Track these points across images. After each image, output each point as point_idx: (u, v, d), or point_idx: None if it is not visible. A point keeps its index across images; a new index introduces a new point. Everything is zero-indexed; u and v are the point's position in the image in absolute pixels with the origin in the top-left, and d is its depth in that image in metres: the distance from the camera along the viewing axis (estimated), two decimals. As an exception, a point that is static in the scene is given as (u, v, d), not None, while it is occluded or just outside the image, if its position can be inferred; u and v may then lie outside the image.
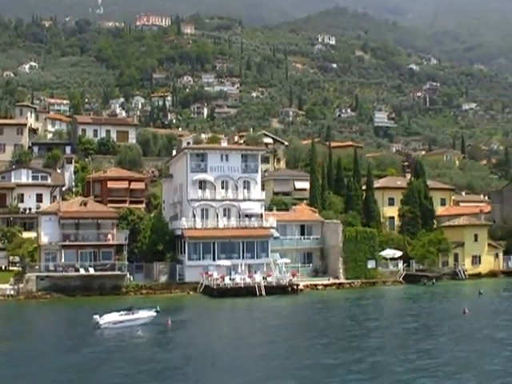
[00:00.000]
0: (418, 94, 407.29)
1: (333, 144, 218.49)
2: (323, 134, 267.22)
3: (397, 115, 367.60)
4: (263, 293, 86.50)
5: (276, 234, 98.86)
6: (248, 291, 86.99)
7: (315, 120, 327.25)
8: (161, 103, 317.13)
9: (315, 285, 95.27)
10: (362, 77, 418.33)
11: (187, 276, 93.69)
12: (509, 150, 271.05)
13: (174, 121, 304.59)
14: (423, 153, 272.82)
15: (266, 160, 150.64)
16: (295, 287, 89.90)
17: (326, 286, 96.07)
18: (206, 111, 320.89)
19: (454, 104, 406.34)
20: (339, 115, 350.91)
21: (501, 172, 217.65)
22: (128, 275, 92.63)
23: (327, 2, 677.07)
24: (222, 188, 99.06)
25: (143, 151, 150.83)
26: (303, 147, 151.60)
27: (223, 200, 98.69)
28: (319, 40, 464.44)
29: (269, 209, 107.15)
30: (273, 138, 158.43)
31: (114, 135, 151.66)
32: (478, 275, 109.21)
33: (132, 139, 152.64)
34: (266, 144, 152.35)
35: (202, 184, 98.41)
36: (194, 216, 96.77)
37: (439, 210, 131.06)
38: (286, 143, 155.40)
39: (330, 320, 67.62)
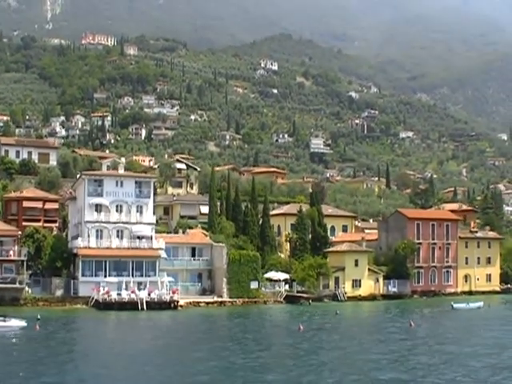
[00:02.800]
0: (357, 121, 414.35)
1: (256, 170, 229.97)
2: (252, 160, 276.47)
3: (333, 142, 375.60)
4: (144, 307, 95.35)
5: (164, 255, 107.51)
6: (132, 306, 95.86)
7: (252, 144, 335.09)
8: (100, 123, 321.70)
9: (198, 302, 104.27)
10: (301, 103, 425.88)
11: (81, 291, 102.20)
12: (433, 179, 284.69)
13: (113, 141, 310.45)
14: (348, 179, 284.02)
15: (178, 184, 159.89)
16: (175, 303, 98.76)
17: (208, 303, 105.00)
18: (143, 132, 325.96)
19: (392, 132, 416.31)
20: (276, 140, 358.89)
21: (421, 200, 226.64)
22: (27, 288, 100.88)
23: (276, 28, 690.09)
24: (117, 211, 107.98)
25: (63, 173, 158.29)
26: (214, 173, 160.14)
27: (117, 222, 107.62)
28: (261, 65, 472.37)
29: (175, 231, 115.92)
30: (186, 164, 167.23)
31: (35, 157, 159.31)
32: (359, 298, 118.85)
33: (53, 161, 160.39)
34: (180, 169, 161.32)
35: (97, 207, 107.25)
36: (89, 236, 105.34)
37: (339, 236, 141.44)
38: (199, 169, 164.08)
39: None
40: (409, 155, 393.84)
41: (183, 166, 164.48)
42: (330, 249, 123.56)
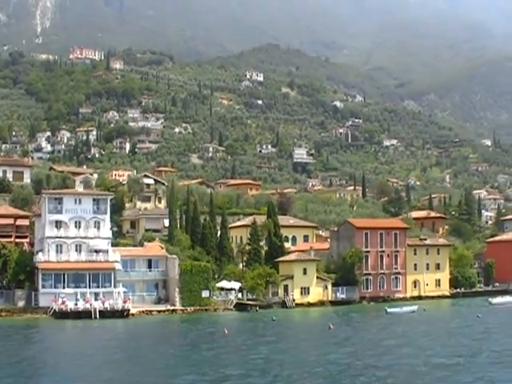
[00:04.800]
0: (341, 130, 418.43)
1: (231, 182, 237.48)
2: (229, 174, 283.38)
3: (317, 151, 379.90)
4: (97, 316, 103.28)
5: (119, 267, 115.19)
6: (86, 314, 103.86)
7: (235, 156, 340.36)
8: (85, 138, 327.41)
9: (150, 311, 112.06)
10: (286, 113, 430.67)
11: (41, 301, 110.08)
12: (409, 187, 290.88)
13: (97, 155, 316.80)
14: (324, 189, 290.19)
15: (147, 199, 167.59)
16: (127, 312, 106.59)
17: (160, 311, 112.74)
18: (128, 146, 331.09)
19: (376, 140, 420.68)
20: (260, 151, 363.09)
21: (394, 208, 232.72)
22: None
23: (265, 37, 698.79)
24: (75, 227, 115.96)
25: (37, 190, 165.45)
26: (181, 188, 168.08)
27: (75, 237, 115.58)
28: (247, 76, 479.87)
29: (140, 244, 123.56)
30: (154, 179, 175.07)
31: (10, 175, 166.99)
32: (307, 304, 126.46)
33: (27, 179, 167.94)
34: (148, 185, 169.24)
35: (57, 223, 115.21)
36: (49, 251, 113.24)
37: (299, 245, 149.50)
38: (166, 184, 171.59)
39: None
40: (392, 163, 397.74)
41: (151, 181, 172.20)
42: (280, 258, 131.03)
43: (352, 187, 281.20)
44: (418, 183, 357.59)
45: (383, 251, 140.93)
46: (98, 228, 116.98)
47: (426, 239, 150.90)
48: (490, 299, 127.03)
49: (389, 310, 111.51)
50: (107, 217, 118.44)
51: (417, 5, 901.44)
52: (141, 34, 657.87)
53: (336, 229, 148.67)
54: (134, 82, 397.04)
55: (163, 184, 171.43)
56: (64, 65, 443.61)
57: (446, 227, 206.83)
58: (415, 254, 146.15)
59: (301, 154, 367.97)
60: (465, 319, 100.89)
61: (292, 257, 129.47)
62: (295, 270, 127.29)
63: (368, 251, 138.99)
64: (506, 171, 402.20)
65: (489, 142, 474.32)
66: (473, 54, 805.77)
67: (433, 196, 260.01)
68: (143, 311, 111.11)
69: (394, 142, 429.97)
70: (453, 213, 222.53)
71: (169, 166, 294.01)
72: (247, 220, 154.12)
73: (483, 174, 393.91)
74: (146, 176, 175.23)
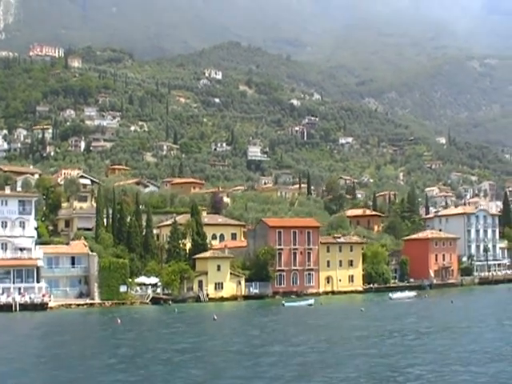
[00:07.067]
0: (296, 128, 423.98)
1: (175, 181, 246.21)
2: (177, 170, 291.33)
3: (271, 149, 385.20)
4: (17, 309, 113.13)
5: (41, 264, 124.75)
6: (7, 308, 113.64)
7: (189, 154, 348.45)
8: (41, 136, 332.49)
9: (69, 304, 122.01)
10: (243, 111, 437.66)
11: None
12: (354, 185, 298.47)
13: (52, 153, 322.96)
14: (270, 185, 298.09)
15: (84, 199, 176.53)
16: (45, 305, 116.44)
17: (79, 305, 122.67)
18: (83, 145, 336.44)
19: (331, 138, 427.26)
20: (215, 149, 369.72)
21: (336, 206, 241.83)
22: None
23: (229, 34, 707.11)
24: (2, 227, 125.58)
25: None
26: (115, 188, 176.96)
27: (1, 236, 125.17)
28: (205, 74, 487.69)
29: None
30: (91, 180, 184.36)
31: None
32: (221, 299, 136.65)
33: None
34: (84, 185, 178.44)
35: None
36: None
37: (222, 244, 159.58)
38: (103, 184, 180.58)
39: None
40: (347, 160, 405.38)
41: (88, 182, 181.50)
42: (196, 256, 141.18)
43: (303, 185, 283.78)
44: (371, 180, 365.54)
45: (296, 249, 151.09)
46: (24, 227, 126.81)
47: (339, 237, 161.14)
48: (390, 294, 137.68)
49: (286, 303, 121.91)
50: (32, 217, 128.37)
51: (380, 3, 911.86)
52: (104, 31, 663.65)
53: (252, 228, 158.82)
54: (92, 80, 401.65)
55: (99, 184, 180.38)
56: (23, 62, 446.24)
57: (382, 225, 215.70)
58: (328, 251, 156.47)
59: (255, 152, 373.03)
60: (347, 313, 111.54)
61: (207, 254, 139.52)
62: (209, 266, 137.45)
63: (281, 249, 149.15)
64: (459, 169, 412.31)
65: (443, 140, 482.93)
66: (435, 52, 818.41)
67: (383, 193, 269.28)
68: (62, 305, 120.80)
69: (350, 139, 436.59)
70: (397, 210, 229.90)
71: (123, 164, 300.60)
72: (177, 219, 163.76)
73: (436, 171, 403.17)
74: (82, 176, 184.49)
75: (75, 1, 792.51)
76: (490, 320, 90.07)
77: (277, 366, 57.04)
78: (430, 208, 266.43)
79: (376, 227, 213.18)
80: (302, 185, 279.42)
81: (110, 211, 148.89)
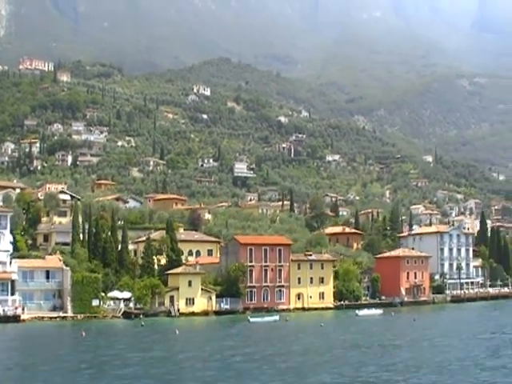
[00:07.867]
0: (284, 145, 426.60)
1: (157, 197, 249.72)
2: (160, 186, 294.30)
3: (257, 166, 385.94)
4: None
5: (15, 277, 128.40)
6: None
7: (176, 170, 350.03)
8: (28, 150, 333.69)
9: (42, 317, 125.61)
10: (230, 128, 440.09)
11: None
12: (337, 202, 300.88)
13: (39, 167, 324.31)
14: (250, 203, 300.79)
15: (63, 214, 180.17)
16: (18, 318, 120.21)
17: (51, 318, 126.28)
18: (70, 159, 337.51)
19: (318, 155, 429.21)
20: (201, 165, 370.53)
21: (317, 223, 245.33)
22: None
23: (220, 50, 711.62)
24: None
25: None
26: (94, 204, 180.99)
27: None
28: (194, 90, 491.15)
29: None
30: (70, 195, 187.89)
31: None
32: (192, 314, 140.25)
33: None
34: (64, 200, 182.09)
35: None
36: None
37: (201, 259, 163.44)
38: (82, 199, 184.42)
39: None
40: (334, 178, 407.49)
41: (67, 197, 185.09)
42: (168, 271, 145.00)
43: (286, 202, 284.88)
44: (357, 198, 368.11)
45: (267, 265, 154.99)
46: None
47: (311, 255, 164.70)
48: (356, 311, 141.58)
49: (251, 319, 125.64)
50: (7, 231, 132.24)
51: (370, 20, 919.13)
52: (95, 45, 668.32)
53: (225, 245, 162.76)
54: (80, 95, 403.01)
55: (78, 199, 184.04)
56: (12, 76, 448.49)
57: (362, 242, 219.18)
58: (299, 268, 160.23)
59: (241, 169, 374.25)
60: (306, 328, 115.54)
61: (178, 270, 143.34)
62: (181, 282, 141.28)
63: (252, 265, 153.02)
64: (445, 187, 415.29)
65: (430, 159, 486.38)
66: (425, 70, 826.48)
67: (367, 211, 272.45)
68: (36, 317, 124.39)
69: (337, 157, 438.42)
70: (379, 228, 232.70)
71: (109, 179, 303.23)
72: (153, 235, 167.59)
73: (423, 189, 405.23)
74: (62, 192, 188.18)
75: (67, 14, 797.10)
76: (439, 337, 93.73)
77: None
78: (414, 226, 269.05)
79: (355, 245, 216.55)
80: (286, 202, 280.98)
81: (87, 226, 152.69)
